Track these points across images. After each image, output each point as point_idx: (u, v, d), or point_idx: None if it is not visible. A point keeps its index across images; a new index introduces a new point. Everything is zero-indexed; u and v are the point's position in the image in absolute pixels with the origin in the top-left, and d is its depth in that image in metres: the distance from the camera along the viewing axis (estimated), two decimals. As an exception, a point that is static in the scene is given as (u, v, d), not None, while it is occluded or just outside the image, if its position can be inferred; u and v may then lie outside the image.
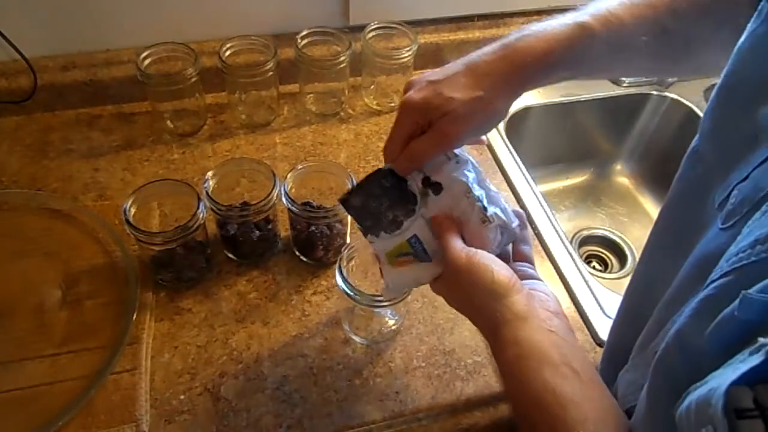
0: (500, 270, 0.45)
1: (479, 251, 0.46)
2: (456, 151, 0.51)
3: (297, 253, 0.71)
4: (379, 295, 0.59)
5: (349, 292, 0.58)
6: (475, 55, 0.50)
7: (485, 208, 0.48)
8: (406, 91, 0.52)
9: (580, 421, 0.37)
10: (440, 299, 0.68)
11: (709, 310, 0.30)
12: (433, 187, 0.50)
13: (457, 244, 0.47)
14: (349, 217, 0.70)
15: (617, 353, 0.49)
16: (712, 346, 0.29)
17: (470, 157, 0.52)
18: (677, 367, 0.33)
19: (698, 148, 0.42)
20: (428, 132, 0.49)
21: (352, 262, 0.63)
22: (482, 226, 0.48)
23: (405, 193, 0.51)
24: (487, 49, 0.50)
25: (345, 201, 0.51)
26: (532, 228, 0.77)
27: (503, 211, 0.50)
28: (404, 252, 0.50)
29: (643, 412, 0.37)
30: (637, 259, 0.50)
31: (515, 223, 0.50)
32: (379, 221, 0.51)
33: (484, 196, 0.49)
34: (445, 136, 0.49)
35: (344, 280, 0.58)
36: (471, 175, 0.50)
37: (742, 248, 0.31)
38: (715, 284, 0.31)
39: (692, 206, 0.42)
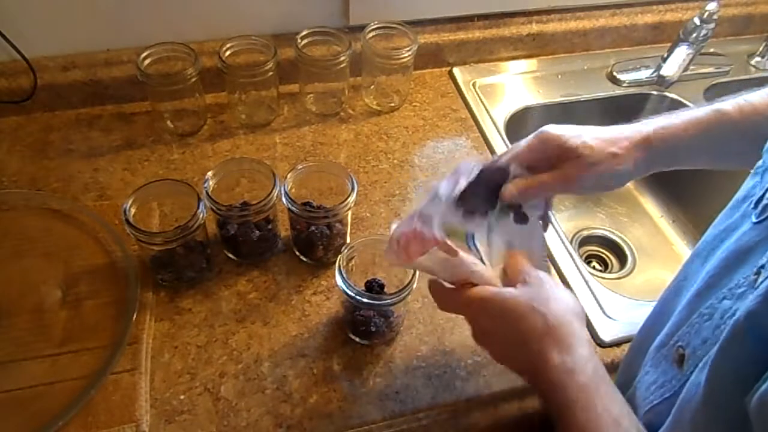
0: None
1: None
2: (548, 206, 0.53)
3: (297, 253, 0.71)
4: (376, 296, 0.59)
5: (349, 292, 0.58)
6: (619, 126, 0.53)
7: (546, 260, 0.50)
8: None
9: None
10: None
11: None
12: (519, 215, 0.52)
13: (527, 261, 0.48)
14: (349, 217, 0.70)
15: (638, 357, 0.50)
16: None
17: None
18: (744, 354, 0.33)
19: (758, 167, 0.43)
20: (555, 171, 0.51)
21: (352, 262, 0.63)
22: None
23: (491, 196, 0.51)
24: (632, 124, 0.53)
25: (479, 171, 0.51)
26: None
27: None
28: (457, 237, 0.51)
29: (696, 412, 0.37)
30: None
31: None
32: (468, 203, 0.50)
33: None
34: (570, 180, 0.51)
35: (344, 280, 0.58)
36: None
37: None
38: None
39: (731, 216, 0.43)
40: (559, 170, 0.51)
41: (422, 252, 0.49)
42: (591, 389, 0.40)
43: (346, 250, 0.61)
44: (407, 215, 0.51)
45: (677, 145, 0.51)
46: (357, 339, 0.64)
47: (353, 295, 0.58)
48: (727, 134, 0.51)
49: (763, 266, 0.34)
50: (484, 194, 0.51)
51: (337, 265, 0.59)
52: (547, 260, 0.51)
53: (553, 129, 0.53)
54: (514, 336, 0.45)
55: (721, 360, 0.35)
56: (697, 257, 0.47)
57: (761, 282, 0.33)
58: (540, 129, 0.53)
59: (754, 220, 0.39)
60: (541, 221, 0.54)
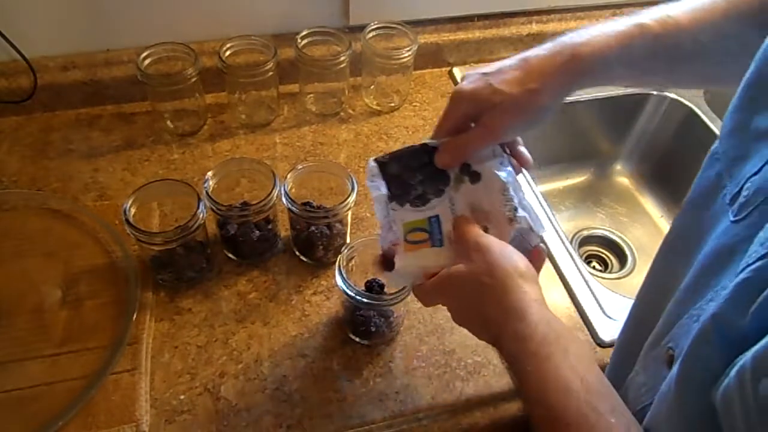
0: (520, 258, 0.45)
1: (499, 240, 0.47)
2: (501, 152, 0.52)
3: (297, 253, 0.71)
4: (376, 296, 0.59)
5: (348, 292, 0.58)
6: (530, 51, 0.50)
7: (516, 209, 0.48)
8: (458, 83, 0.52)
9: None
10: (440, 299, 0.68)
11: (748, 292, 0.31)
12: (472, 175, 0.51)
13: (476, 229, 0.48)
14: (349, 217, 0.70)
15: (626, 357, 0.49)
16: (757, 324, 0.30)
17: (512, 163, 0.52)
18: (713, 352, 0.33)
19: (715, 150, 0.42)
20: (476, 126, 0.50)
21: (352, 262, 0.63)
22: (508, 225, 0.48)
23: (439, 173, 0.51)
24: (544, 45, 0.50)
25: (382, 164, 0.52)
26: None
27: (533, 219, 0.49)
28: (420, 227, 0.51)
29: (671, 406, 0.37)
30: (649, 266, 0.50)
31: (541, 231, 0.50)
32: (407, 192, 0.51)
33: (516, 199, 0.49)
34: (492, 130, 0.49)
35: (344, 280, 0.58)
36: (510, 177, 0.50)
37: None
38: (751, 267, 0.32)
39: (704, 207, 0.42)
40: (479, 125, 0.50)
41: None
42: (541, 356, 0.41)
43: (346, 250, 0.61)
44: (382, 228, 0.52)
45: (602, 62, 0.48)
46: (357, 339, 0.64)
47: (353, 295, 0.58)
48: (649, 50, 0.49)
49: (747, 266, 0.34)
50: (428, 177, 0.51)
51: (337, 265, 0.59)
52: (513, 201, 0.48)
53: (463, 86, 0.50)
54: (475, 312, 0.46)
55: (691, 356, 0.35)
56: (674, 253, 0.46)
57: (730, 285, 0.33)
58: (453, 89, 0.52)
59: (731, 218, 0.38)
60: (510, 166, 0.51)
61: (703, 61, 0.51)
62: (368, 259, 0.65)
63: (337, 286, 0.59)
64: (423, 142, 0.52)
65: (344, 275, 0.58)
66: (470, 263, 0.46)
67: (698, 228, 0.42)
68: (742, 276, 0.32)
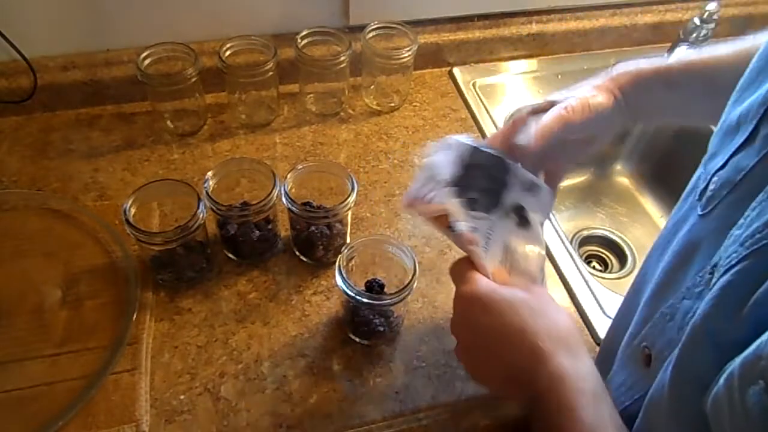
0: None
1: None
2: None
3: (297, 253, 0.71)
4: (376, 296, 0.59)
5: (349, 292, 0.58)
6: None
7: (544, 279, 0.48)
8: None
9: None
10: (440, 298, 0.68)
11: (735, 294, 0.31)
12: (522, 219, 0.50)
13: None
14: (349, 217, 0.70)
15: (606, 356, 0.49)
16: (749, 326, 0.29)
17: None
18: (703, 357, 0.33)
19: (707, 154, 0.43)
20: (551, 114, 0.52)
21: (352, 262, 0.63)
22: (531, 283, 0.47)
23: (496, 194, 0.50)
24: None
25: (465, 150, 0.50)
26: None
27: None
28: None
29: (665, 412, 0.37)
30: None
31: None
32: (464, 189, 0.49)
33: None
34: (564, 117, 0.52)
35: (344, 280, 0.58)
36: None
37: (757, 229, 0.31)
38: (735, 270, 0.31)
39: (683, 205, 0.43)
40: (552, 113, 0.52)
41: (429, 215, 0.49)
42: (599, 397, 0.38)
43: (346, 250, 0.61)
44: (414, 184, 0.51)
45: (648, 96, 0.52)
46: (357, 339, 0.64)
47: (353, 295, 0.58)
48: (694, 85, 0.52)
49: (715, 265, 0.34)
50: (488, 190, 0.50)
51: (337, 265, 0.59)
52: (543, 267, 0.49)
53: (523, 108, 0.53)
54: (510, 329, 0.42)
55: (682, 362, 0.35)
56: (655, 251, 0.46)
57: (714, 283, 0.33)
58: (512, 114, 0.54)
59: (699, 212, 0.38)
60: (541, 225, 0.53)
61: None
62: (368, 259, 0.65)
63: (337, 286, 0.59)
64: (496, 152, 0.51)
65: (344, 275, 0.58)
66: (525, 294, 0.44)
67: (674, 225, 0.43)
68: (725, 278, 0.32)
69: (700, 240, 0.37)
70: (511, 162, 0.51)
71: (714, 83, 0.51)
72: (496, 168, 0.51)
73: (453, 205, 0.48)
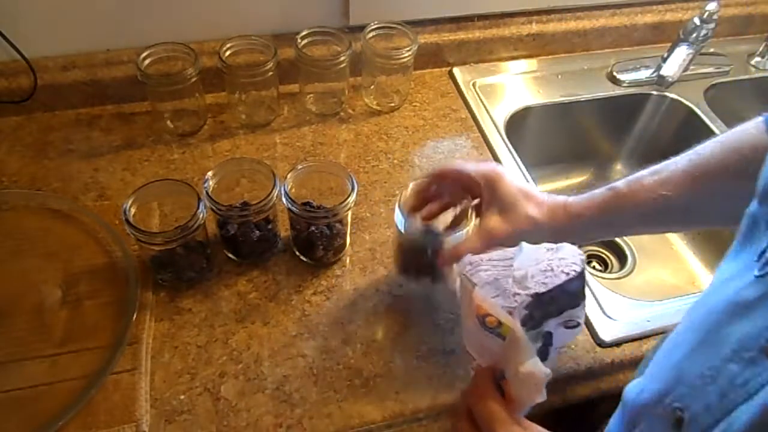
0: None
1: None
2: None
3: (297, 253, 0.71)
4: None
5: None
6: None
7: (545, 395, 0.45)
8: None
9: None
10: (440, 298, 0.68)
11: None
12: (545, 348, 0.48)
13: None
14: (349, 217, 0.70)
15: (632, 411, 0.47)
16: None
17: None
18: None
19: (754, 211, 0.41)
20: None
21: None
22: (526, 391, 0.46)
23: (542, 321, 0.48)
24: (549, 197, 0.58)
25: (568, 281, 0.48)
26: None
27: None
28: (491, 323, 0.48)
29: None
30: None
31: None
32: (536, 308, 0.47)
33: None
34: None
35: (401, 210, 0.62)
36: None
37: None
38: None
39: (734, 259, 0.41)
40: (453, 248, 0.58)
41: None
42: None
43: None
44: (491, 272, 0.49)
45: (582, 225, 0.56)
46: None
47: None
48: (617, 210, 0.55)
49: None
50: (552, 312, 0.47)
51: (397, 204, 0.62)
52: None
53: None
54: None
55: None
56: (699, 307, 0.43)
57: None
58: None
59: (756, 273, 0.36)
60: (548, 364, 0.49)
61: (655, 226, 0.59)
62: (367, 256, 0.65)
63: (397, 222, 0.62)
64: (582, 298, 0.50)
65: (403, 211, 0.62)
66: None
67: (722, 283, 0.40)
68: None
69: (753, 302, 0.35)
70: (582, 302, 0.49)
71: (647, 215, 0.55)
72: (566, 301, 0.48)
73: (519, 326, 0.45)
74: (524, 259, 0.49)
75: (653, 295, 0.73)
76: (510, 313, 0.45)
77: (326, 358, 0.63)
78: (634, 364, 0.66)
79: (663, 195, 0.53)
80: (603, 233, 0.59)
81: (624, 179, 0.56)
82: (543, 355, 0.48)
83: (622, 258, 1.01)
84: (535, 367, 0.44)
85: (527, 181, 0.83)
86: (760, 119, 0.51)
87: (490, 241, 0.56)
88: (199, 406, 0.58)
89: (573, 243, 0.51)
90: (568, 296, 0.48)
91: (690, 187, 0.53)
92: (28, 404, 0.56)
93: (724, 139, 0.52)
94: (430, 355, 0.64)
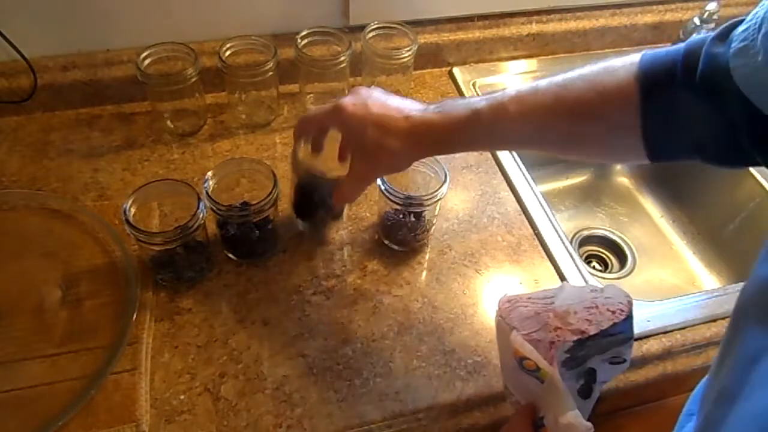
0: None
1: None
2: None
3: (287, 251, 0.71)
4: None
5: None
6: (409, 109, 0.57)
7: None
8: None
9: None
10: (440, 298, 0.68)
11: None
12: (587, 387, 0.45)
13: None
14: (344, 212, 0.70)
15: None
16: None
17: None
18: None
19: None
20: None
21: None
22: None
23: (585, 360, 0.45)
24: (414, 113, 0.57)
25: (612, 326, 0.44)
26: (532, 228, 0.77)
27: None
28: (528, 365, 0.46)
29: None
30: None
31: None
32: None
33: None
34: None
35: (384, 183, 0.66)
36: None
37: None
38: None
39: (762, 327, 0.36)
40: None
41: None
42: None
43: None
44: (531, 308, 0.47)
45: (443, 141, 0.56)
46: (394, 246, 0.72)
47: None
48: (481, 135, 0.56)
49: None
50: (593, 352, 0.44)
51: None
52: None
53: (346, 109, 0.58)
54: None
55: None
56: (730, 393, 0.36)
57: None
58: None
59: None
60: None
61: (529, 147, 0.58)
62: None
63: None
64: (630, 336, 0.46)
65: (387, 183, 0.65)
66: None
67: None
68: None
69: None
70: (630, 340, 0.46)
71: (500, 138, 0.57)
72: (612, 342, 0.45)
73: (558, 375, 0.42)
74: (566, 297, 0.46)
75: (653, 295, 0.73)
76: (548, 349, 0.43)
77: (326, 358, 0.63)
78: (633, 365, 0.66)
79: (523, 127, 0.54)
80: (458, 152, 0.61)
81: (488, 100, 0.55)
82: (586, 392, 0.46)
83: (622, 258, 1.01)
84: (575, 420, 0.41)
85: (527, 180, 0.83)
86: (634, 59, 0.50)
87: (362, 185, 0.61)
88: (199, 406, 0.58)
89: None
90: (614, 337, 0.45)
91: (551, 125, 0.53)
92: (28, 404, 0.56)
93: (593, 77, 0.51)
94: (430, 355, 0.64)
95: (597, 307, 0.45)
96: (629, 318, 0.44)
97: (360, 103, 0.57)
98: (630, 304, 0.45)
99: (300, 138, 0.64)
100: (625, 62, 0.50)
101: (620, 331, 0.44)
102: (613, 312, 0.44)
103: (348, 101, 0.57)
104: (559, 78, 0.53)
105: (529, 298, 0.48)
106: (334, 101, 0.58)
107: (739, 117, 0.43)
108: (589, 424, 0.41)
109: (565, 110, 0.51)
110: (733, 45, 0.42)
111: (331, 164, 0.63)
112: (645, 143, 0.50)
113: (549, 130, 0.53)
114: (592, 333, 0.43)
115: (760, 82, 0.40)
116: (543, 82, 0.53)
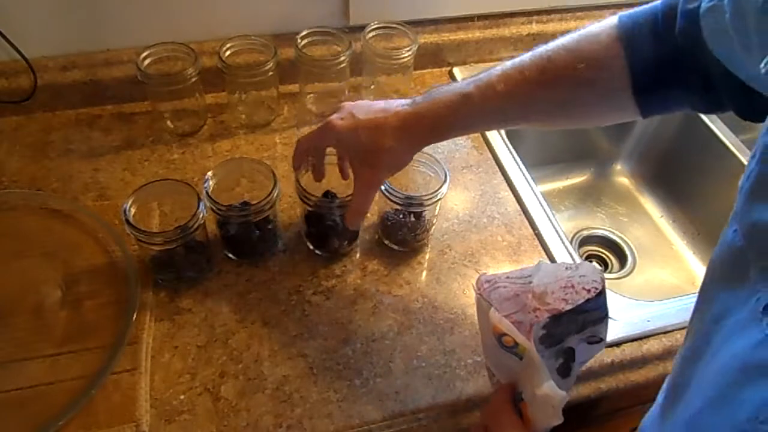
0: None
1: None
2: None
3: (310, 246, 0.71)
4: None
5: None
6: (396, 106, 0.58)
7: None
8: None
9: None
10: (440, 299, 0.68)
11: None
12: (565, 366, 0.46)
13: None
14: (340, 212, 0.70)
15: None
16: None
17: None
18: None
19: (737, 244, 0.35)
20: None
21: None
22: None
23: (562, 337, 0.46)
24: (401, 108, 0.57)
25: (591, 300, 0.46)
26: (532, 228, 0.77)
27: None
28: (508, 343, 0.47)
29: None
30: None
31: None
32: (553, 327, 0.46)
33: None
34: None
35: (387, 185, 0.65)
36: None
37: None
38: None
39: (727, 288, 0.36)
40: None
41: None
42: None
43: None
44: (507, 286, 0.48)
45: (437, 127, 0.57)
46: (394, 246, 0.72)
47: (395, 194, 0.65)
48: (474, 116, 0.56)
49: None
50: (572, 329, 0.45)
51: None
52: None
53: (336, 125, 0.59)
54: None
55: None
56: (698, 353, 0.39)
57: None
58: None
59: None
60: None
61: (523, 121, 0.59)
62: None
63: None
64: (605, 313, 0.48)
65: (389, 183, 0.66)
66: None
67: (722, 338, 0.36)
68: None
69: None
70: (605, 318, 0.47)
71: (493, 117, 0.57)
72: (588, 318, 0.46)
73: (534, 348, 0.43)
74: (543, 276, 0.48)
75: (653, 295, 0.73)
76: (528, 331, 0.44)
77: (326, 358, 0.63)
78: (634, 365, 0.66)
79: (513, 103, 0.55)
80: (453, 136, 0.60)
81: (475, 82, 0.56)
82: (565, 371, 0.47)
83: (622, 258, 1.01)
84: (551, 390, 0.43)
85: (527, 180, 0.83)
86: (612, 22, 0.51)
87: (370, 192, 0.60)
88: (199, 406, 0.58)
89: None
90: (589, 314, 0.46)
91: (541, 97, 0.54)
92: (28, 404, 0.56)
93: (575, 45, 0.53)
94: (430, 355, 0.64)
95: (573, 286, 0.46)
96: (602, 294, 0.46)
97: (347, 116, 0.58)
98: (603, 281, 0.46)
99: (299, 167, 0.64)
100: (603, 27, 0.51)
101: (594, 308, 0.46)
102: (588, 290, 0.46)
103: (335, 117, 0.58)
104: (542, 50, 0.54)
105: (507, 277, 0.49)
106: (326, 119, 0.59)
107: (713, 71, 0.45)
108: (564, 392, 0.43)
109: (554, 82, 0.53)
110: (703, 4, 0.44)
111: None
112: (636, 101, 0.51)
113: (539, 101, 0.54)
114: (571, 308, 0.45)
115: (725, 40, 0.42)
116: (526, 57, 0.55)
